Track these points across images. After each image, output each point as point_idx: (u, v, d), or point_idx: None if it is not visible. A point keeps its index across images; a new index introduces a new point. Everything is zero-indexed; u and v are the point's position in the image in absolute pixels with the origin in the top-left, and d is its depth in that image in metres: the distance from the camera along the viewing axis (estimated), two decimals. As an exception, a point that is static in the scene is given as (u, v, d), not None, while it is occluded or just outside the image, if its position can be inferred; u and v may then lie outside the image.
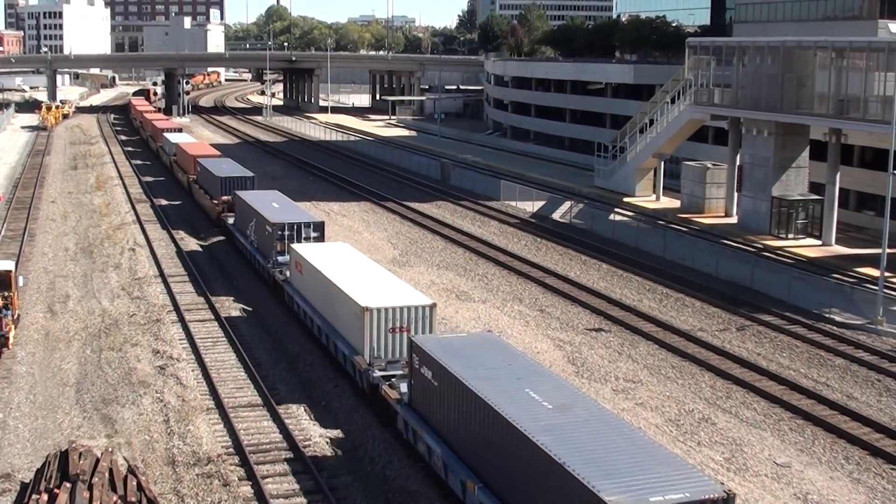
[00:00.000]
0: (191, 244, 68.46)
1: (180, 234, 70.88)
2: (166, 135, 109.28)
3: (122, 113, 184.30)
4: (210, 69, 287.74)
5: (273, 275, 53.67)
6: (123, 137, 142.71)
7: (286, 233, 54.27)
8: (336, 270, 43.95)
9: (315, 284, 45.40)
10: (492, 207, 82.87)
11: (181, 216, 78.84)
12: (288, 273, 51.37)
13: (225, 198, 70.03)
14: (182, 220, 76.67)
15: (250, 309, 52.42)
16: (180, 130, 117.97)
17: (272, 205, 60.46)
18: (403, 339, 37.25)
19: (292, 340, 47.20)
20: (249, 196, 63.92)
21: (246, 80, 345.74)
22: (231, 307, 52.86)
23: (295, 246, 50.57)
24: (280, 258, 53.77)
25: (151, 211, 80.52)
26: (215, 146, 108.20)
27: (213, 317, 50.49)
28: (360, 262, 46.61)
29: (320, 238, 55.16)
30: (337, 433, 35.81)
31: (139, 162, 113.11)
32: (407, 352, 34.57)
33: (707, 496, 22.66)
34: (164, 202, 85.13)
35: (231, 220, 67.01)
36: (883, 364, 44.64)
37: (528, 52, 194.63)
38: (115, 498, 26.07)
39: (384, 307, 37.99)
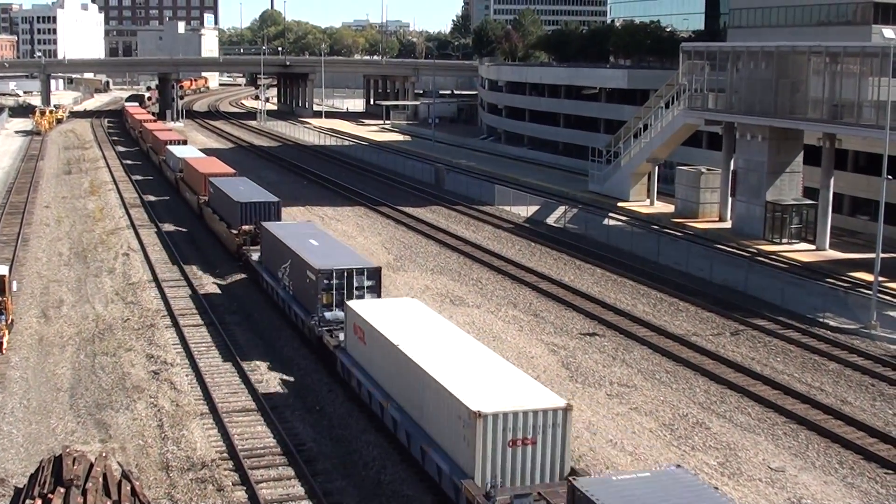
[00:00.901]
0: (206, 283, 58.97)
1: (193, 271, 61.40)
2: (171, 148, 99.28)
3: (116, 118, 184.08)
4: (199, 74, 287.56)
5: (320, 335, 43.37)
6: (120, 147, 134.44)
7: (334, 281, 44.60)
8: (419, 346, 34.03)
9: (387, 361, 35.25)
10: (486, 212, 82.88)
11: (192, 247, 69.31)
12: (342, 337, 41.33)
13: (246, 228, 61.06)
14: (194, 252, 67.50)
15: (291, 379, 42.73)
16: (185, 142, 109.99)
17: (310, 242, 50.73)
18: (529, 455, 28.58)
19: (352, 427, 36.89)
20: (280, 230, 54.08)
21: (240, 85, 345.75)
22: (269, 377, 42.75)
23: (353, 305, 40.01)
24: (327, 314, 44.04)
25: (146, 215, 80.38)
26: (207, 151, 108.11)
27: (207, 322, 50.43)
28: (445, 332, 36.22)
29: (376, 288, 45.28)
30: (181, 225, 36.19)
31: (140, 177, 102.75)
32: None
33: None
34: (170, 228, 75.50)
35: (256, 257, 57.39)
36: (877, 368, 44.68)
37: (523, 57, 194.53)
38: (109, 503, 26.03)
39: (504, 411, 28.25)
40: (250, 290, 57.15)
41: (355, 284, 44.72)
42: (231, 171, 79.33)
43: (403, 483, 32.04)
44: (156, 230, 74.16)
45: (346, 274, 44.72)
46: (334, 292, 44.43)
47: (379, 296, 44.84)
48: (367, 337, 37.36)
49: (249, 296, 56.16)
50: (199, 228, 74.85)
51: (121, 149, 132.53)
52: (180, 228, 75.62)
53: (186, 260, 64.20)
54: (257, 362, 44.16)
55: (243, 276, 60.04)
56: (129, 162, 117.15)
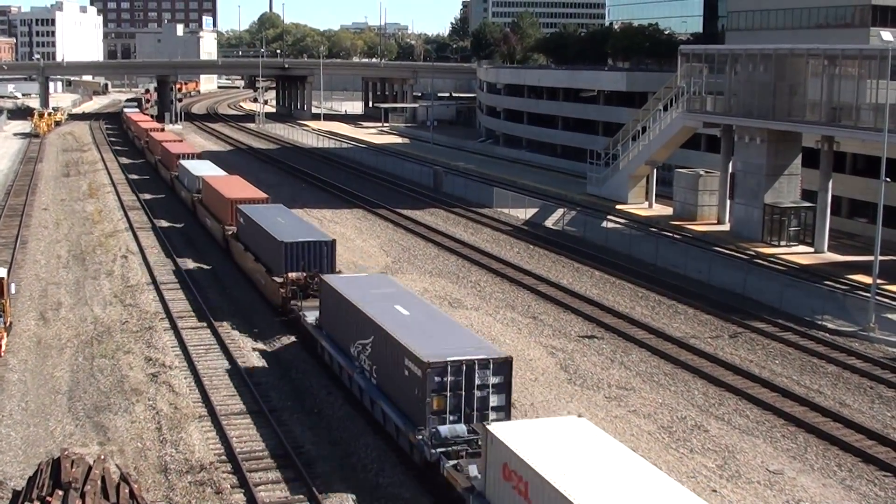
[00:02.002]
0: (244, 349, 46.27)
1: (226, 330, 48.68)
2: (185, 164, 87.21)
3: (114, 121, 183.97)
4: (189, 78, 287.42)
5: (435, 461, 30.86)
6: (124, 159, 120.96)
7: (448, 378, 31.63)
8: None
9: None
10: (484, 215, 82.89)
11: (220, 293, 56.65)
12: (474, 471, 29.02)
13: (294, 276, 49.21)
14: (223, 299, 55.19)
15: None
16: (200, 156, 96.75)
17: (398, 311, 37.23)
18: None
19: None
20: (352, 289, 40.43)
21: (238, 88, 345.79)
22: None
23: (501, 433, 26.98)
24: (442, 429, 31.18)
25: (146, 218, 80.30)
26: (206, 154, 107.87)
27: (204, 324, 50.40)
28: (646, 478, 24.76)
29: (505, 386, 32.48)
30: (202, 261, 36.10)
31: (150, 197, 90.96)
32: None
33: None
34: (191, 264, 63.55)
35: (312, 319, 44.55)
36: (875, 371, 44.70)
37: (521, 60, 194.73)
38: (107, 506, 26.01)
39: None
40: (307, 363, 44.50)
41: (477, 382, 31.91)
42: (263, 195, 68.01)
43: (402, 486, 32.02)
44: (155, 234, 74.06)
45: (465, 368, 31.76)
46: (449, 394, 31.73)
47: (508, 396, 32.67)
48: (533, 493, 24.96)
49: (303, 368, 43.95)
50: (226, 266, 63.41)
51: (125, 160, 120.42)
52: (202, 265, 63.89)
53: (216, 314, 51.30)
54: (340, 495, 31.93)
55: (292, 338, 47.97)
56: (135, 177, 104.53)
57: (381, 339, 35.64)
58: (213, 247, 69.20)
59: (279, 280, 49.99)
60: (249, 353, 45.91)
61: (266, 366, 44.50)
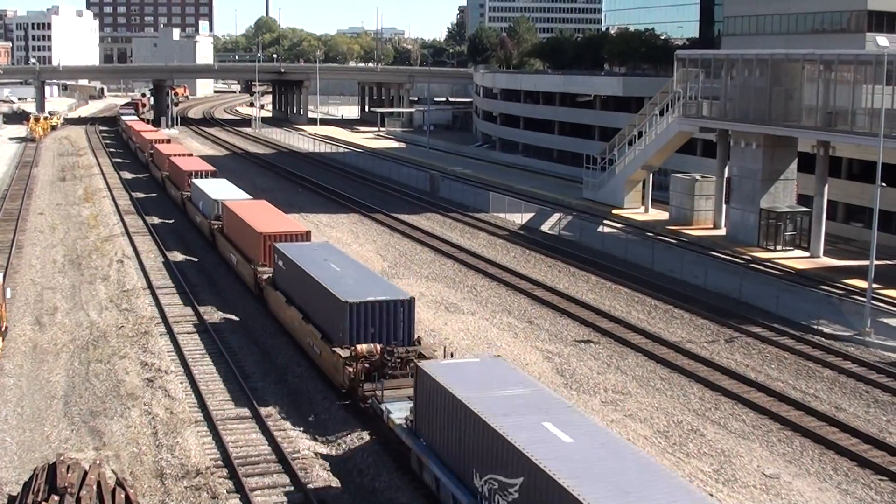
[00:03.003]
0: (302, 451, 35.10)
1: (274, 418, 38.09)
2: (199, 184, 76.14)
3: (110, 125, 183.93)
4: (177, 83, 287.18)
5: None
6: (126, 173, 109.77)
7: None
8: None
9: None
10: (481, 219, 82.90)
11: (261, 361, 45.16)
12: None
13: (366, 349, 37.51)
14: (269, 377, 42.93)
15: None
16: (215, 173, 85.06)
17: (555, 436, 25.80)
18: None
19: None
20: (469, 387, 29.24)
21: (235, 92, 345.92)
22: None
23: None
24: None
25: (141, 222, 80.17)
26: (205, 158, 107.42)
27: (201, 328, 50.35)
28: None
29: None
30: (230, 311, 36.01)
31: (158, 220, 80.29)
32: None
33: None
34: (216, 317, 52.07)
35: (401, 417, 33.40)
36: (871, 375, 44.72)
37: (517, 65, 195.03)
38: (102, 511, 25.98)
39: None
40: (393, 475, 33.13)
41: None
42: (303, 228, 56.87)
43: (398, 490, 32.00)
44: (151, 237, 73.94)
45: None
46: None
47: None
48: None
49: (390, 483, 32.69)
50: (260, 317, 51.85)
51: (127, 175, 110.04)
52: (230, 315, 52.54)
53: (262, 394, 40.51)
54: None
55: (364, 434, 36.37)
56: (140, 195, 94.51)
57: (540, 486, 23.90)
58: (240, 290, 57.54)
59: (343, 354, 38.01)
60: (311, 459, 34.41)
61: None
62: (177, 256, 67.09)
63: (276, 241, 52.50)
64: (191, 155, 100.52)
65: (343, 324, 38.95)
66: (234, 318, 52.21)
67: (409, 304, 39.72)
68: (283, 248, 49.95)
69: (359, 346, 37.85)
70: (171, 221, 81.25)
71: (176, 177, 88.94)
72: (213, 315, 52.36)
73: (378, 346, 37.93)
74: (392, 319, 39.26)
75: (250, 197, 70.68)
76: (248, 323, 51.21)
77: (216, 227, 66.70)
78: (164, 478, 32.84)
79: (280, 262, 49.52)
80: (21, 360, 45.03)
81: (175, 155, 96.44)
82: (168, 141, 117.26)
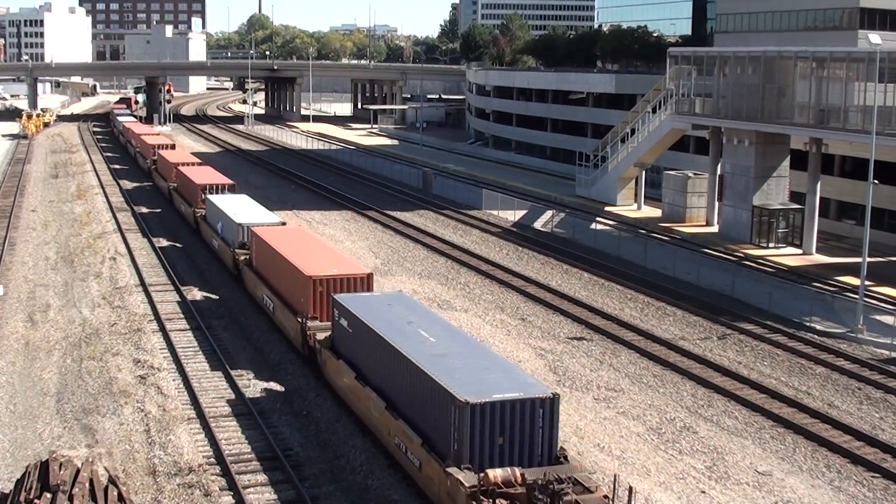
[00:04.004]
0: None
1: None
2: (218, 201, 65.13)
3: (103, 121, 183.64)
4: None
5: None
6: (126, 182, 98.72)
7: None
8: None
9: None
10: (473, 216, 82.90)
11: (332, 478, 33.28)
12: None
13: (499, 476, 26.93)
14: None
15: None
16: (233, 188, 74.07)
17: None
18: None
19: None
20: None
21: (227, 89, 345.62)
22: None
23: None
24: None
25: (133, 220, 80.00)
26: (197, 154, 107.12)
27: (194, 325, 50.29)
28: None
29: None
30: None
31: (166, 243, 69.02)
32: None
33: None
34: (259, 388, 40.64)
35: None
36: (863, 372, 44.82)
37: (510, 62, 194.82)
38: (95, 508, 25.96)
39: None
40: None
41: None
42: (363, 269, 45.22)
43: (391, 488, 31.99)
44: (147, 240, 73.70)
45: None
46: None
47: None
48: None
49: None
50: (315, 390, 40.43)
51: (128, 184, 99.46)
52: (273, 384, 41.19)
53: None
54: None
55: None
56: (144, 210, 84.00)
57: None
58: (284, 350, 45.63)
59: (468, 481, 27.02)
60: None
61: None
62: (195, 294, 55.98)
63: (330, 288, 42.37)
64: (201, 164, 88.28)
65: (459, 432, 28.14)
66: (277, 386, 41.09)
67: (551, 404, 28.84)
68: (347, 301, 38.45)
69: (491, 473, 26.81)
70: (180, 247, 69.57)
71: (186, 190, 77.57)
72: (252, 385, 41.13)
73: (518, 472, 27.04)
74: (528, 426, 28.46)
75: (281, 220, 60.04)
76: (296, 394, 40.17)
77: (242, 258, 55.63)
78: (156, 475, 32.80)
79: (342, 321, 38.15)
80: (13, 357, 44.95)
81: (184, 164, 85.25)
82: (173, 146, 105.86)
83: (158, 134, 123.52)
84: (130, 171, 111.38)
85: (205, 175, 77.69)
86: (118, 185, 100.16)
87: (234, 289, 57.15)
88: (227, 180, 75.57)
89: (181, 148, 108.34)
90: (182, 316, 52.06)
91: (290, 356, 44.69)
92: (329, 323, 40.65)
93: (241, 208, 62.67)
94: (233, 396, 39.52)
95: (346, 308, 37.71)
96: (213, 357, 44.47)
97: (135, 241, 71.03)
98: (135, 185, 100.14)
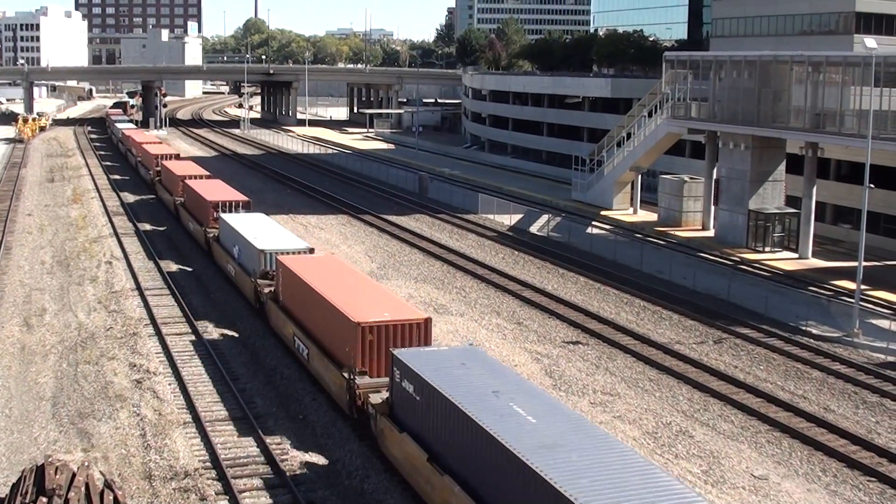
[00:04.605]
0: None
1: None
2: (233, 222, 58.85)
3: (99, 126, 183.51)
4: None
5: None
6: (128, 195, 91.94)
7: None
8: None
9: None
10: (469, 220, 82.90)
11: None
12: None
13: None
14: None
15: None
16: (248, 205, 67.68)
17: None
18: None
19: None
20: None
21: (223, 93, 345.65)
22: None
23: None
24: None
25: (130, 224, 79.88)
26: (193, 159, 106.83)
27: (189, 330, 50.22)
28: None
29: None
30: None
31: (175, 267, 62.97)
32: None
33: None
34: (297, 463, 33.99)
35: None
36: (859, 376, 44.82)
37: (506, 66, 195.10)
38: (91, 512, 25.91)
39: None
40: None
41: None
42: (419, 313, 38.48)
43: (387, 493, 31.95)
44: (138, 239, 73.56)
45: None
46: None
47: None
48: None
49: None
50: (368, 460, 34.30)
51: (130, 197, 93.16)
52: (316, 456, 34.76)
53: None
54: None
55: None
56: (147, 227, 77.40)
57: None
58: (329, 412, 38.54)
59: None
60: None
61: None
62: (211, 332, 49.23)
63: (382, 337, 35.97)
64: (210, 177, 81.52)
65: None
66: (321, 461, 34.39)
67: None
68: (411, 359, 31.40)
69: None
70: (190, 270, 63.38)
71: (195, 207, 71.03)
72: (294, 461, 34.18)
73: None
74: None
75: (308, 246, 53.66)
76: (345, 468, 33.59)
77: (266, 290, 49.22)
78: (152, 479, 32.75)
79: (406, 384, 31.20)
80: (9, 361, 44.87)
81: (191, 177, 78.81)
82: (178, 156, 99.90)
83: (161, 143, 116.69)
84: (132, 182, 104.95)
85: (216, 190, 71.09)
86: (118, 196, 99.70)
87: (256, 326, 50.32)
88: (241, 196, 69.30)
89: (187, 160, 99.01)
90: (198, 361, 44.64)
91: (331, 415, 38.18)
92: (383, 380, 34.55)
93: (261, 230, 56.11)
94: (269, 473, 33.26)
95: (409, 368, 30.86)
96: (244, 422, 37.47)
97: (130, 245, 70.80)
98: (137, 197, 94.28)
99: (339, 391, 36.96)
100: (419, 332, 36.51)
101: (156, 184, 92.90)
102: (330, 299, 38.97)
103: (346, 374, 35.97)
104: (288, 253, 50.03)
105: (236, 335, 49.27)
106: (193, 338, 48.07)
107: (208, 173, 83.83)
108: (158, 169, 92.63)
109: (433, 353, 33.04)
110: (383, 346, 35.48)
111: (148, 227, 78.33)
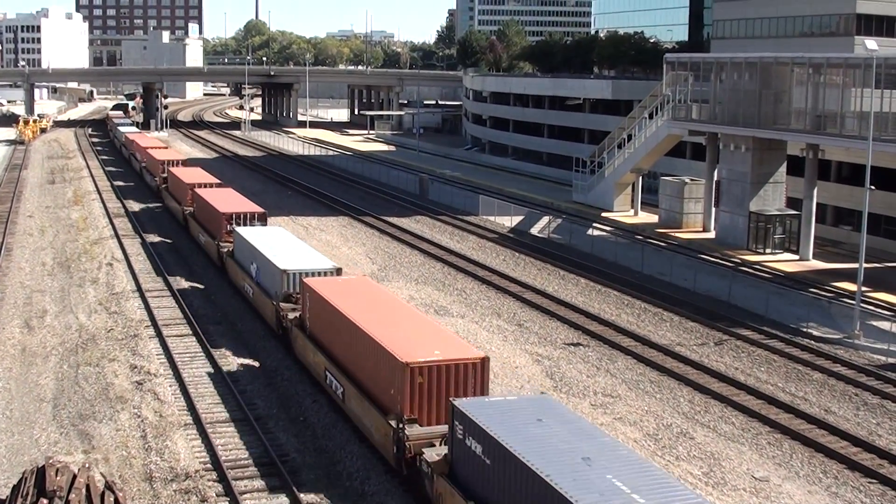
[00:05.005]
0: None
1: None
2: (250, 237, 54.47)
3: (100, 127, 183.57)
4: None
5: None
6: (133, 203, 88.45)
7: None
8: None
9: None
10: (470, 222, 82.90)
11: None
12: None
13: None
14: None
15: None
16: (264, 217, 63.07)
17: None
18: None
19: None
20: None
21: (224, 95, 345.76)
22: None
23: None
24: None
25: (129, 225, 79.87)
26: (192, 161, 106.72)
27: (190, 331, 50.20)
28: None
29: None
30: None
31: (186, 284, 59.30)
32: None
33: None
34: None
35: None
36: (860, 378, 44.79)
37: (507, 68, 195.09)
38: (91, 514, 25.93)
39: None
40: None
41: None
42: (475, 352, 32.98)
43: (388, 494, 31.95)
44: (140, 241, 73.53)
45: None
46: None
47: None
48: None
49: None
50: None
51: (134, 206, 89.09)
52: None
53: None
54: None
55: None
56: (154, 239, 73.40)
57: None
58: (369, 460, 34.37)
59: None
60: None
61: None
62: (231, 362, 44.91)
63: (433, 379, 31.32)
64: (220, 185, 76.99)
65: None
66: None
67: None
68: (475, 412, 27.05)
69: None
70: (201, 287, 59.23)
71: (206, 218, 66.73)
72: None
73: None
74: None
75: (335, 265, 48.41)
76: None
77: (291, 316, 44.45)
78: (153, 481, 32.75)
79: (470, 442, 26.79)
80: (10, 362, 44.88)
81: (202, 185, 74.14)
82: (185, 162, 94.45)
83: (167, 147, 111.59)
84: (137, 188, 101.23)
85: (229, 201, 66.31)
86: (122, 203, 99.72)
87: (279, 355, 45.69)
88: (256, 208, 64.44)
89: (196, 166, 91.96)
90: (220, 405, 39.28)
91: (376, 469, 33.21)
92: (437, 429, 30.56)
93: (281, 247, 51.46)
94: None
95: (475, 424, 26.23)
96: (271, 469, 33.25)
97: (131, 247, 70.78)
98: (142, 205, 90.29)
99: (384, 440, 32.25)
100: (475, 374, 31.70)
101: (162, 191, 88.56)
102: (371, 333, 34.26)
103: (392, 423, 31.37)
104: (314, 274, 45.72)
105: (255, 365, 44.66)
106: (211, 370, 43.85)
107: (219, 181, 79.53)
108: (165, 176, 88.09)
109: (501, 403, 28.24)
110: (434, 389, 31.25)
111: (155, 238, 74.33)
